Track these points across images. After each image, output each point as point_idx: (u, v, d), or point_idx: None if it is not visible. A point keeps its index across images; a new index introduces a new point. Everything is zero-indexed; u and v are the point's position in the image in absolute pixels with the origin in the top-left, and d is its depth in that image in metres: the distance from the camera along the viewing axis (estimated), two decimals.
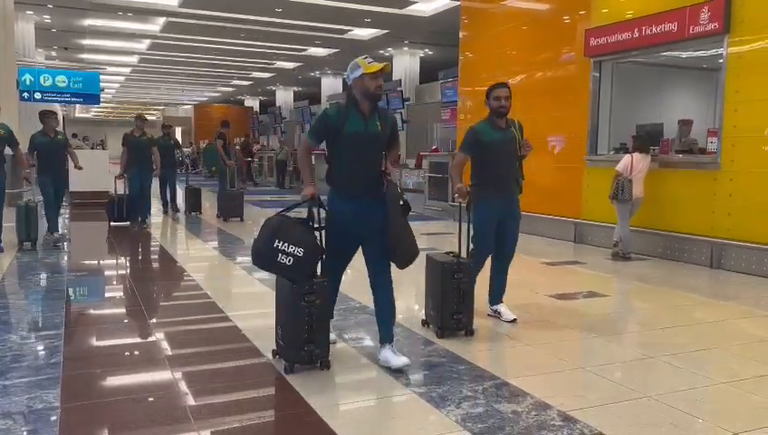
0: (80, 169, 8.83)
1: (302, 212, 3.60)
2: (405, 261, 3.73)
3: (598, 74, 8.64)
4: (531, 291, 5.92)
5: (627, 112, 8.85)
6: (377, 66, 3.61)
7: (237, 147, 18.25)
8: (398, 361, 3.58)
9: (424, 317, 4.56)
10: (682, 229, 7.40)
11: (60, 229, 8.81)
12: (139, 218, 10.02)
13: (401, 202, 3.66)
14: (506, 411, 3.03)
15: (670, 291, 6.11)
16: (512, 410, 3.04)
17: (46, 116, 8.49)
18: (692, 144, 7.88)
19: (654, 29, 7.64)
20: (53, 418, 2.92)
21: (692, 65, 9.72)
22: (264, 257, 3.46)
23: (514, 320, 4.68)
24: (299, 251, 3.38)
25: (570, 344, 4.33)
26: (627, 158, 7.39)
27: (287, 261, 3.38)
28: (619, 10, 8.27)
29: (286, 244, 3.38)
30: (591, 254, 8.01)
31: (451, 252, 4.46)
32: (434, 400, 3.17)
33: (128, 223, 9.86)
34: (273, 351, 3.76)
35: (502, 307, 4.83)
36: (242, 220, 10.98)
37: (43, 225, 8.33)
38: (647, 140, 7.60)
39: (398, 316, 4.88)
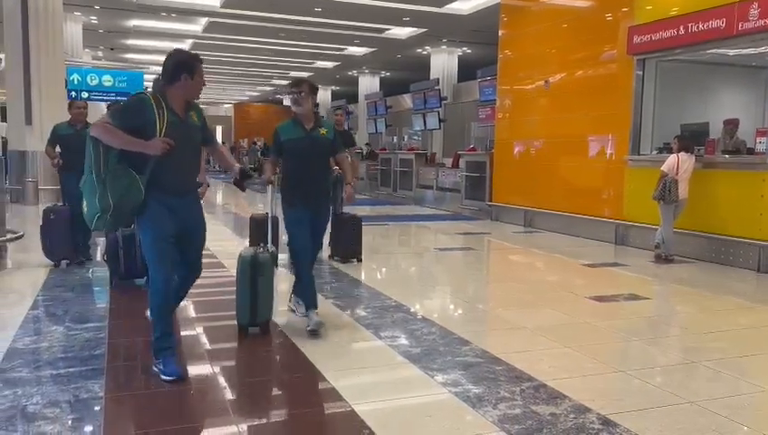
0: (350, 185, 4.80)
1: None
2: None
3: (641, 73, 8.46)
4: (570, 293, 5.84)
5: (671, 112, 8.65)
6: None
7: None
8: None
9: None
10: (728, 232, 7.20)
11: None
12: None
13: None
14: (544, 414, 3.00)
15: (714, 295, 5.96)
16: (550, 413, 3.01)
17: (298, 87, 4.38)
18: (740, 144, 7.66)
19: (701, 26, 7.44)
20: (98, 407, 3.00)
21: (740, 63, 9.45)
22: None
23: None
24: None
25: (609, 347, 4.26)
26: (672, 158, 7.22)
27: None
28: (663, 7, 8.08)
29: None
30: (633, 256, 7.85)
31: None
32: (470, 400, 3.16)
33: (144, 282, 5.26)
34: None
35: None
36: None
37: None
38: (691, 139, 7.42)
39: (433, 315, 4.89)
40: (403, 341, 4.14)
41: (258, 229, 6.41)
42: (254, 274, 4.12)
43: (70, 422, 2.84)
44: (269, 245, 4.46)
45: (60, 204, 6.50)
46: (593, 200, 9.13)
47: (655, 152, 8.37)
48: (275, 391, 3.31)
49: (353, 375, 3.51)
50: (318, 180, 4.45)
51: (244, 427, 2.87)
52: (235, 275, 4.21)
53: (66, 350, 3.85)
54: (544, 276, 7.04)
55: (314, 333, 4.16)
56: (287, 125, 4.47)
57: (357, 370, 3.60)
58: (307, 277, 4.41)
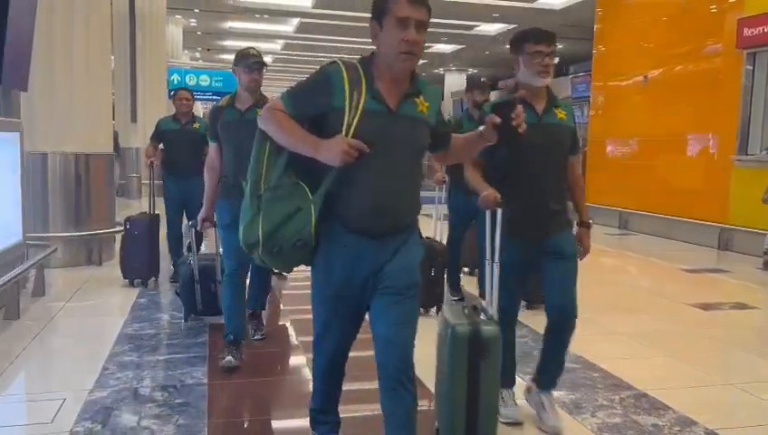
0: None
1: None
2: None
3: (751, 67, 7.94)
4: (669, 299, 5.57)
5: None
6: None
7: None
8: None
9: None
10: None
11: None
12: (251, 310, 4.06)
13: None
14: (646, 424, 2.87)
15: None
16: (652, 424, 2.88)
17: (548, 45, 2.66)
18: None
19: None
20: (202, 393, 3.14)
21: None
22: None
23: None
24: None
25: (715, 358, 4.03)
26: None
27: None
28: None
29: None
30: (737, 262, 7.39)
31: None
32: (567, 406, 3.07)
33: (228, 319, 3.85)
34: None
35: None
36: None
37: None
38: None
39: (524, 318, 4.79)
40: None
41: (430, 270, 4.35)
42: (475, 359, 2.30)
43: (177, 406, 2.99)
44: (485, 303, 2.66)
45: (149, 211, 5.56)
46: (695, 202, 8.66)
47: (765, 152, 7.84)
48: (366, 385, 3.34)
49: None
50: (553, 192, 2.78)
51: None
52: None
53: (171, 337, 4.06)
54: (640, 281, 6.75)
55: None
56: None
57: None
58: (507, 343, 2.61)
